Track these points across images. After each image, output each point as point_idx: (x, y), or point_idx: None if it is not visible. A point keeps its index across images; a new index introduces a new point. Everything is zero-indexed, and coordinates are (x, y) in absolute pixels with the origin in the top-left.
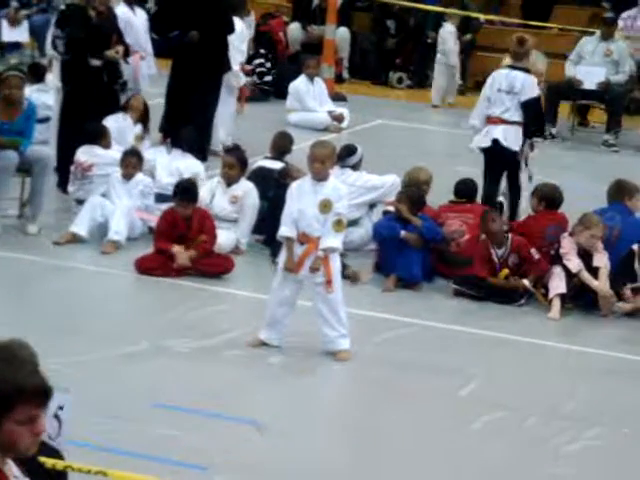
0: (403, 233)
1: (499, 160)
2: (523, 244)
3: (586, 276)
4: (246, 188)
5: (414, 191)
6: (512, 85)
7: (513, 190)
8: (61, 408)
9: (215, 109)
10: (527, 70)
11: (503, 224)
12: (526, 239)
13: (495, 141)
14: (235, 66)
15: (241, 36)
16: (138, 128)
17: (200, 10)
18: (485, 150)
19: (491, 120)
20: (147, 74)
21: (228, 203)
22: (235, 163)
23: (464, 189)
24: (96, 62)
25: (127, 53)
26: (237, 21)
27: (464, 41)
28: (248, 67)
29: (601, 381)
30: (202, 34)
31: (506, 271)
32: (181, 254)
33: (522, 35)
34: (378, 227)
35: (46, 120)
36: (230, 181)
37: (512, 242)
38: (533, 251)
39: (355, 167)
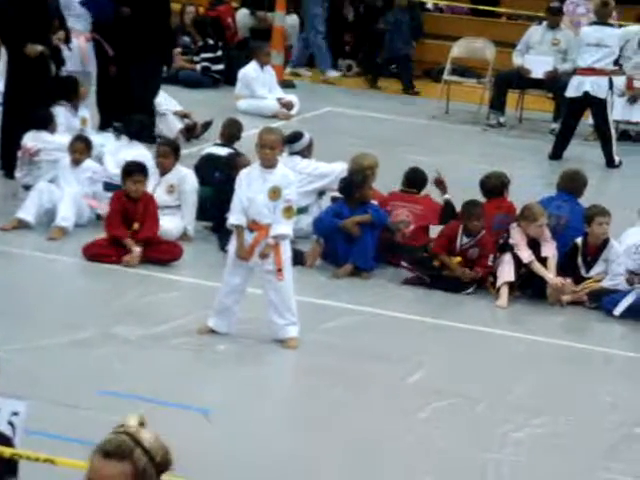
0: (340, 222)
1: None
2: (490, 245)
3: (538, 267)
4: (180, 175)
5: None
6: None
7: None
8: (16, 414)
9: (157, 93)
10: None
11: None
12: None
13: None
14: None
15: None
16: (84, 112)
17: None
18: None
19: None
20: (94, 56)
21: (165, 193)
22: (169, 152)
23: (414, 178)
24: (38, 48)
25: (68, 39)
26: None
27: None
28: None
29: (548, 369)
30: (138, 16)
31: (459, 259)
32: (134, 258)
33: None
34: (316, 222)
35: None
36: (164, 170)
37: (481, 237)
38: (490, 258)
39: (304, 154)
